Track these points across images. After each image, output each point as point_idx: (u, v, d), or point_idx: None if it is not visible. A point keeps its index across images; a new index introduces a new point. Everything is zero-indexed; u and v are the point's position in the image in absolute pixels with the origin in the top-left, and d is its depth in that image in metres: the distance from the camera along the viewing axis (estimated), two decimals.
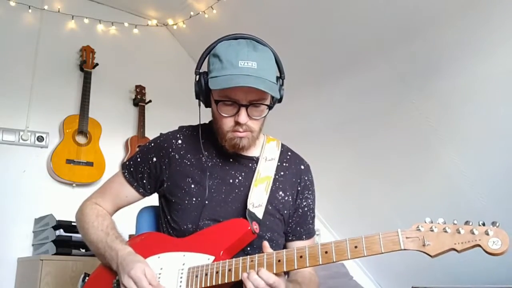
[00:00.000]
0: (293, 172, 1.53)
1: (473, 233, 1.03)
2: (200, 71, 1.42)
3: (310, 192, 1.55)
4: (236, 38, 1.38)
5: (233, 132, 1.37)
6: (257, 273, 1.19)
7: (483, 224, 1.04)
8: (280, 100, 1.43)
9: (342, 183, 3.44)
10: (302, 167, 1.56)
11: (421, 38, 2.51)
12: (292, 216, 1.50)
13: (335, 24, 2.79)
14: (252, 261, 1.23)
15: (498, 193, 2.64)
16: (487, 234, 1.02)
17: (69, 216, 2.67)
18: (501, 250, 1.01)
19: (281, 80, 1.43)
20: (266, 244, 1.28)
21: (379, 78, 2.81)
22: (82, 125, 3.18)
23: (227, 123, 1.36)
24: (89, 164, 3.14)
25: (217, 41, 1.39)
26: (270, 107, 1.39)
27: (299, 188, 1.52)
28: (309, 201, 1.54)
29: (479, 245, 1.03)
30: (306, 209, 1.53)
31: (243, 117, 1.33)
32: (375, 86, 2.87)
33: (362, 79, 2.90)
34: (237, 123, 1.35)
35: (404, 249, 1.08)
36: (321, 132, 3.35)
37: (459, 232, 1.05)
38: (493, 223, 1.03)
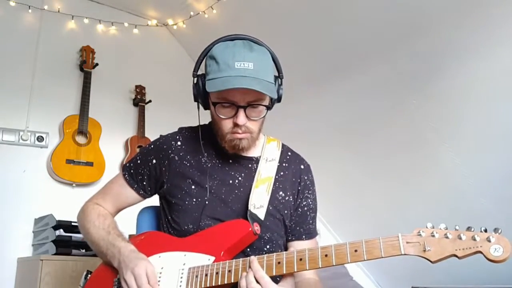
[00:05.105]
0: (293, 172, 1.53)
1: (474, 239, 1.03)
2: (198, 73, 1.42)
3: (310, 192, 1.55)
4: (232, 39, 1.37)
5: (232, 133, 1.37)
6: (249, 265, 1.22)
7: (485, 231, 1.04)
8: (279, 100, 1.43)
9: (342, 183, 3.43)
10: (302, 166, 1.56)
11: (422, 38, 2.51)
12: (292, 216, 1.50)
13: (335, 24, 2.79)
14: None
15: (498, 193, 2.64)
16: (489, 240, 1.02)
17: (69, 216, 2.69)
18: (503, 257, 1.01)
19: (279, 80, 1.43)
20: None
21: (379, 78, 2.81)
22: (82, 125, 3.18)
23: (226, 124, 1.36)
24: (89, 164, 3.14)
25: (214, 43, 1.38)
26: (268, 108, 1.38)
27: (299, 188, 1.52)
28: (309, 201, 1.54)
29: (480, 252, 1.03)
30: (306, 208, 1.53)
31: (241, 118, 1.33)
32: (375, 86, 2.86)
33: (362, 79, 2.89)
34: (235, 125, 1.35)
35: (405, 254, 1.08)
36: (321, 132, 3.34)
37: (460, 238, 1.04)
38: (495, 230, 1.03)
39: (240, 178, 1.46)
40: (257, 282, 1.19)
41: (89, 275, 1.49)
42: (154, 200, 1.60)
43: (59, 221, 2.76)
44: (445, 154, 2.74)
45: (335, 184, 3.37)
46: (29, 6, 3.22)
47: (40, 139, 3.09)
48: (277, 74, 1.43)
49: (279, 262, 1.21)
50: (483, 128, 2.55)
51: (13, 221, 2.93)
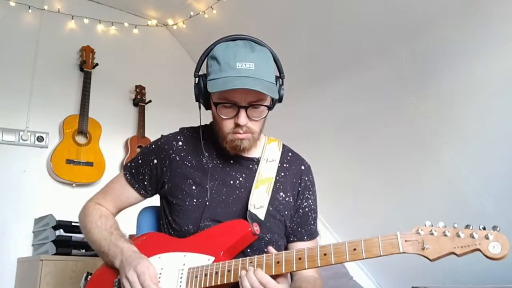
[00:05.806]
0: (294, 172, 1.53)
1: (473, 237, 1.03)
2: (200, 73, 1.42)
3: (310, 193, 1.55)
4: (233, 39, 1.38)
5: (233, 134, 1.37)
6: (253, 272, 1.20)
7: (484, 228, 1.04)
8: (280, 100, 1.44)
9: (342, 183, 3.43)
10: (303, 167, 1.56)
11: (422, 38, 2.51)
12: (293, 217, 1.50)
13: (335, 24, 2.79)
14: (251, 262, 1.24)
15: (498, 193, 2.64)
16: (487, 238, 1.02)
17: (69, 216, 2.69)
18: (501, 255, 1.01)
19: (280, 80, 1.43)
20: (271, 249, 1.28)
21: (379, 78, 2.81)
22: (82, 125, 3.18)
23: (227, 125, 1.37)
24: (89, 164, 3.14)
25: (215, 43, 1.39)
26: (269, 108, 1.39)
27: (299, 189, 1.52)
28: (310, 201, 1.54)
29: (479, 249, 1.03)
30: (307, 209, 1.53)
31: (242, 118, 1.33)
32: (375, 86, 2.86)
33: (362, 79, 2.89)
34: (237, 125, 1.35)
35: (403, 252, 1.08)
36: (321, 132, 3.34)
37: (459, 236, 1.04)
38: (494, 228, 1.03)
39: (241, 179, 1.46)
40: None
41: (89, 276, 1.49)
42: (155, 200, 1.60)
43: (59, 221, 2.76)
44: (445, 154, 2.74)
45: (335, 184, 3.37)
46: (29, 6, 3.22)
47: (40, 139, 3.09)
48: (278, 74, 1.43)
49: (278, 262, 1.21)
50: (483, 128, 2.55)
51: (13, 221, 2.93)
